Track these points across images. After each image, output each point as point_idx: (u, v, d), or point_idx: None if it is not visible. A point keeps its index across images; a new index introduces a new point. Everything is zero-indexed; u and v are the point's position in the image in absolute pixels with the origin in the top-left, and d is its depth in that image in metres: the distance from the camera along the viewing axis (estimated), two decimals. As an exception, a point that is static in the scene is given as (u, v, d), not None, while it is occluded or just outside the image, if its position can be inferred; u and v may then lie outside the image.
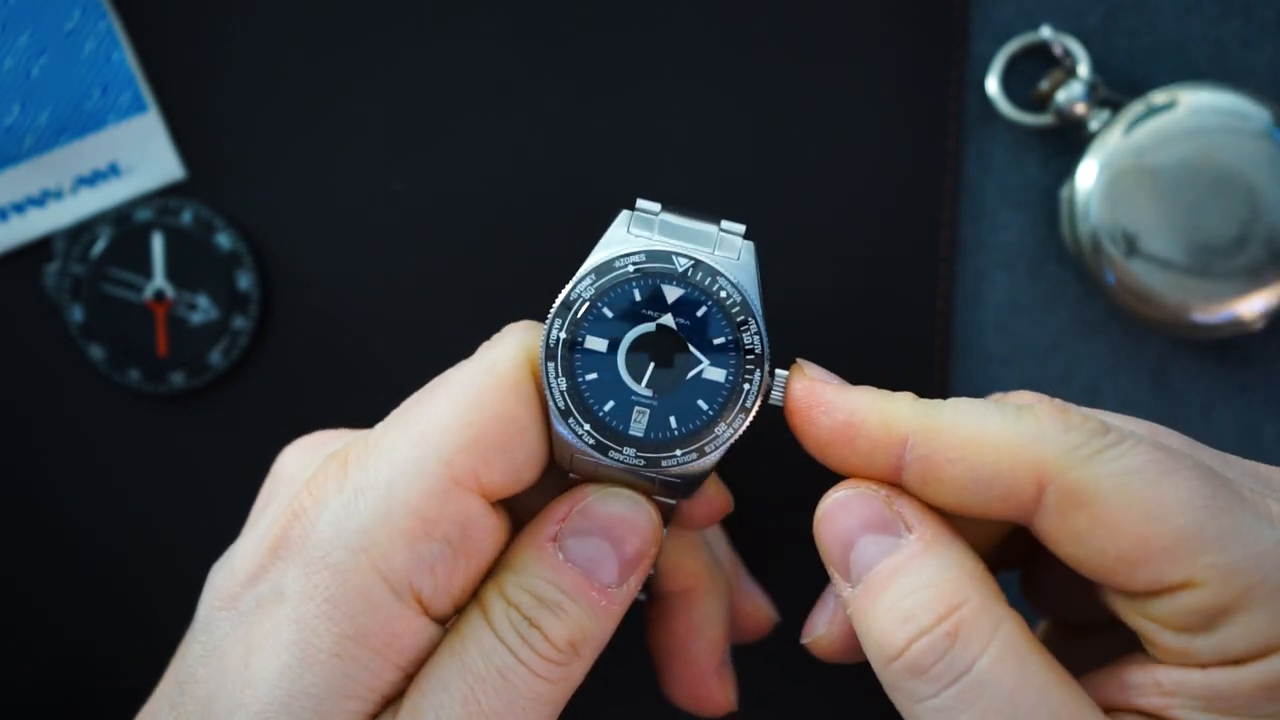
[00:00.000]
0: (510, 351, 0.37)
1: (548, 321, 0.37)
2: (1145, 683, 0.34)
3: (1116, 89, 0.51)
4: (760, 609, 0.48)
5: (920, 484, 0.36)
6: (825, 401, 0.36)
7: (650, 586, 0.43)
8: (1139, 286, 0.49)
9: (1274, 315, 0.50)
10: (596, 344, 0.37)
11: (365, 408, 0.43)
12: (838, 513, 0.36)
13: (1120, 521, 0.33)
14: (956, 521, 0.37)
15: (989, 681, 0.33)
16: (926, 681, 0.34)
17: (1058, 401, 0.36)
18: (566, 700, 0.37)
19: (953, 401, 0.36)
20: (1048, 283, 0.52)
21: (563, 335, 0.37)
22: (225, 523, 0.43)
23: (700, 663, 0.44)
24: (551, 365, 0.37)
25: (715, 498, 0.41)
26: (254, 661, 0.35)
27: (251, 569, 0.37)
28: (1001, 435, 0.34)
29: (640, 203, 0.38)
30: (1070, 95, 0.50)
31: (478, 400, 0.36)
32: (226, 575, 0.38)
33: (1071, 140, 0.51)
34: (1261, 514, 0.33)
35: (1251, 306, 0.49)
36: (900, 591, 0.35)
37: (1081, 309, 0.52)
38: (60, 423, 0.53)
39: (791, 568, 0.49)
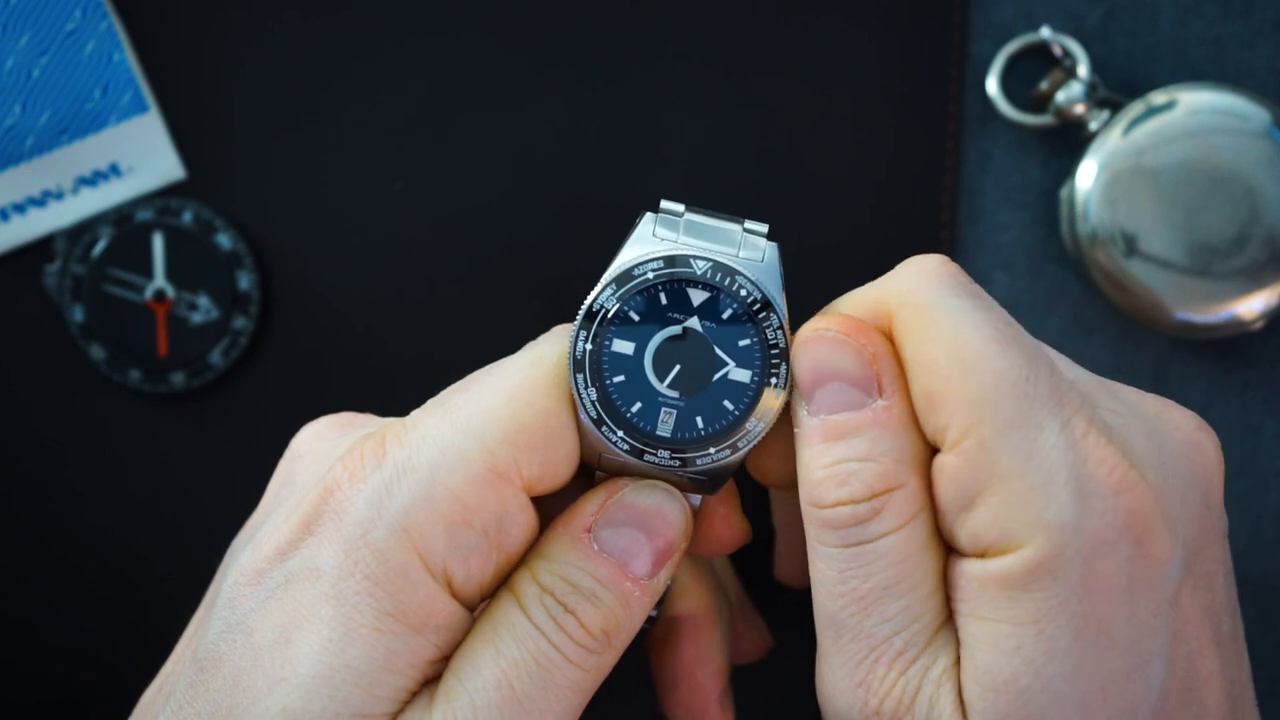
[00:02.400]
0: (554, 349, 0.37)
1: (573, 332, 0.37)
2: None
3: (1116, 89, 0.51)
4: (757, 633, 0.48)
5: None
6: (826, 320, 0.37)
7: (661, 605, 0.43)
8: (1139, 286, 0.49)
9: (1274, 315, 0.50)
10: (623, 347, 0.37)
11: (366, 407, 0.43)
12: (820, 348, 0.37)
13: (940, 360, 0.34)
14: None
15: (883, 556, 0.35)
16: (834, 534, 0.35)
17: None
18: (595, 691, 0.37)
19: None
20: (1048, 283, 0.52)
21: (589, 346, 0.37)
22: (226, 521, 0.43)
23: (705, 689, 0.44)
24: (580, 376, 0.37)
25: (736, 525, 0.41)
26: (293, 637, 0.35)
27: (280, 544, 0.36)
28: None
29: (664, 203, 0.38)
30: (1070, 95, 0.50)
31: (522, 394, 0.36)
32: (252, 551, 0.37)
33: (1071, 140, 0.51)
34: (1060, 420, 0.34)
35: (1251, 306, 0.49)
36: (847, 450, 0.35)
37: (1081, 309, 0.52)
38: (61, 423, 0.53)
39: (786, 591, 0.49)
